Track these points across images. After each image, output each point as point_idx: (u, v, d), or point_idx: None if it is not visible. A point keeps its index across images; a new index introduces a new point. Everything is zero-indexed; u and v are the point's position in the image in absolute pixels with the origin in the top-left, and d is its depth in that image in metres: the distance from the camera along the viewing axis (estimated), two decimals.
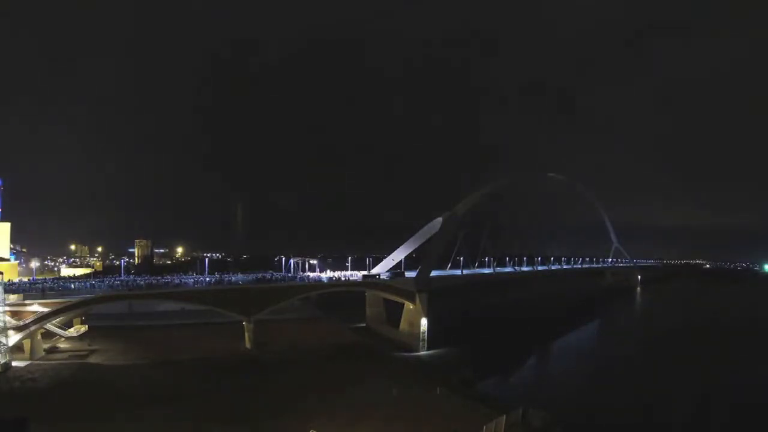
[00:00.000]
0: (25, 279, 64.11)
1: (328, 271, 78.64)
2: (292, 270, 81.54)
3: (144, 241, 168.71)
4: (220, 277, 68.98)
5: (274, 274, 75.04)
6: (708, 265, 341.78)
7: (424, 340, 63.73)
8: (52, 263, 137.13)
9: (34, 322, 47.16)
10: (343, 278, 73.95)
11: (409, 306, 67.17)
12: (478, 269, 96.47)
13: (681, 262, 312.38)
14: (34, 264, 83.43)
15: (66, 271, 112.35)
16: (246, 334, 56.76)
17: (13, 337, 45.04)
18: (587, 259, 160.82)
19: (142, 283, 60.99)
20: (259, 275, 69.29)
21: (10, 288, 48.81)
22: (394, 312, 71.56)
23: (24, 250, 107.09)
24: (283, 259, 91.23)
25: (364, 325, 76.17)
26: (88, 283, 57.99)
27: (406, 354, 60.42)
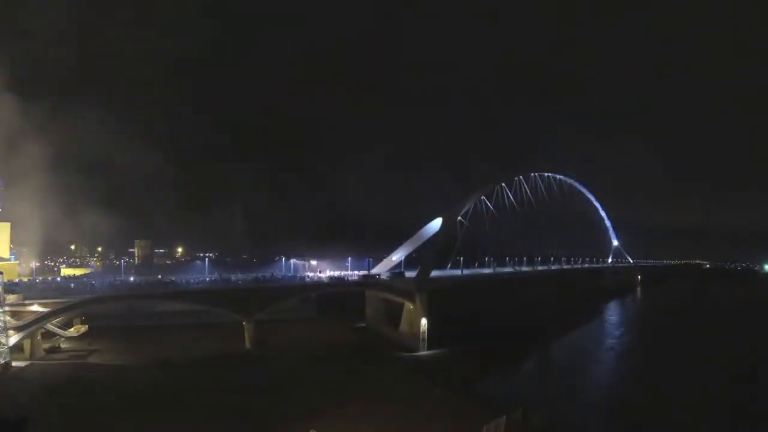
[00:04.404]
0: (25, 279, 64.16)
1: (328, 271, 78.78)
2: (292, 270, 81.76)
3: (144, 241, 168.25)
4: (220, 276, 69.18)
5: (274, 274, 75.26)
6: (708, 265, 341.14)
7: (424, 340, 63.66)
8: (52, 263, 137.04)
9: (34, 322, 47.21)
10: (343, 278, 74.09)
11: (409, 306, 67.12)
12: (478, 269, 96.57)
13: (681, 262, 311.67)
14: (34, 264, 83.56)
15: (66, 271, 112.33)
16: (246, 335, 56.76)
17: (13, 337, 45.06)
18: (587, 259, 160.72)
19: (142, 282, 61.14)
20: (259, 275, 69.47)
21: (10, 288, 48.83)
22: (394, 312, 71.48)
23: (24, 250, 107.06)
24: (283, 259, 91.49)
25: (364, 325, 76.16)
26: (88, 284, 58.12)
27: (406, 354, 60.40)
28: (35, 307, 47.67)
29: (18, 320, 46.37)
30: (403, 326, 68.12)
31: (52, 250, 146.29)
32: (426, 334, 63.92)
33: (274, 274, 75.23)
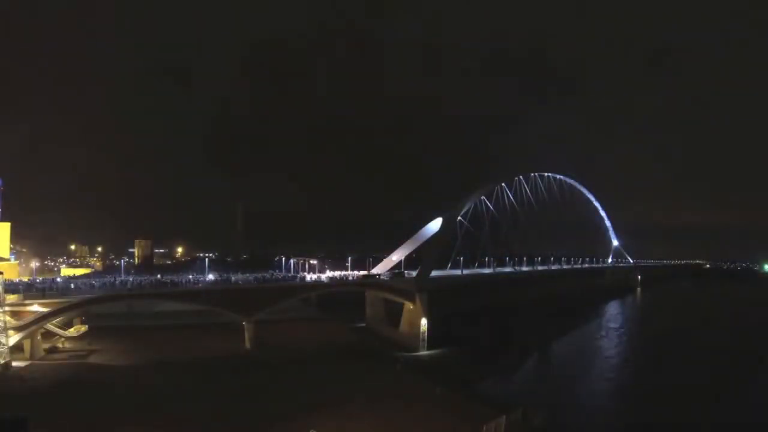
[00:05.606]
0: (25, 279, 64.17)
1: (328, 271, 78.77)
2: (292, 270, 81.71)
3: (144, 241, 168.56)
4: (220, 276, 69.15)
5: (275, 274, 75.24)
6: (708, 265, 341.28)
7: (424, 340, 63.70)
8: (52, 263, 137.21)
9: (34, 322, 47.16)
10: (343, 278, 74.06)
11: (409, 306, 67.15)
12: (478, 269, 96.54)
13: (681, 262, 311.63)
14: (34, 264, 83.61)
15: (66, 271, 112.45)
16: (246, 335, 56.70)
17: (13, 337, 45.01)
18: (587, 259, 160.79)
19: (143, 282, 61.06)
20: (259, 275, 69.41)
21: (10, 288, 48.78)
22: (394, 312, 71.56)
23: (24, 250, 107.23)
24: (283, 259, 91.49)
25: (364, 325, 76.19)
26: (88, 283, 58.06)
27: (406, 354, 60.39)
28: (35, 307, 47.60)
29: (18, 320, 46.31)
30: (403, 326, 68.14)
31: (52, 250, 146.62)
32: (426, 334, 63.95)
33: (274, 274, 75.14)
